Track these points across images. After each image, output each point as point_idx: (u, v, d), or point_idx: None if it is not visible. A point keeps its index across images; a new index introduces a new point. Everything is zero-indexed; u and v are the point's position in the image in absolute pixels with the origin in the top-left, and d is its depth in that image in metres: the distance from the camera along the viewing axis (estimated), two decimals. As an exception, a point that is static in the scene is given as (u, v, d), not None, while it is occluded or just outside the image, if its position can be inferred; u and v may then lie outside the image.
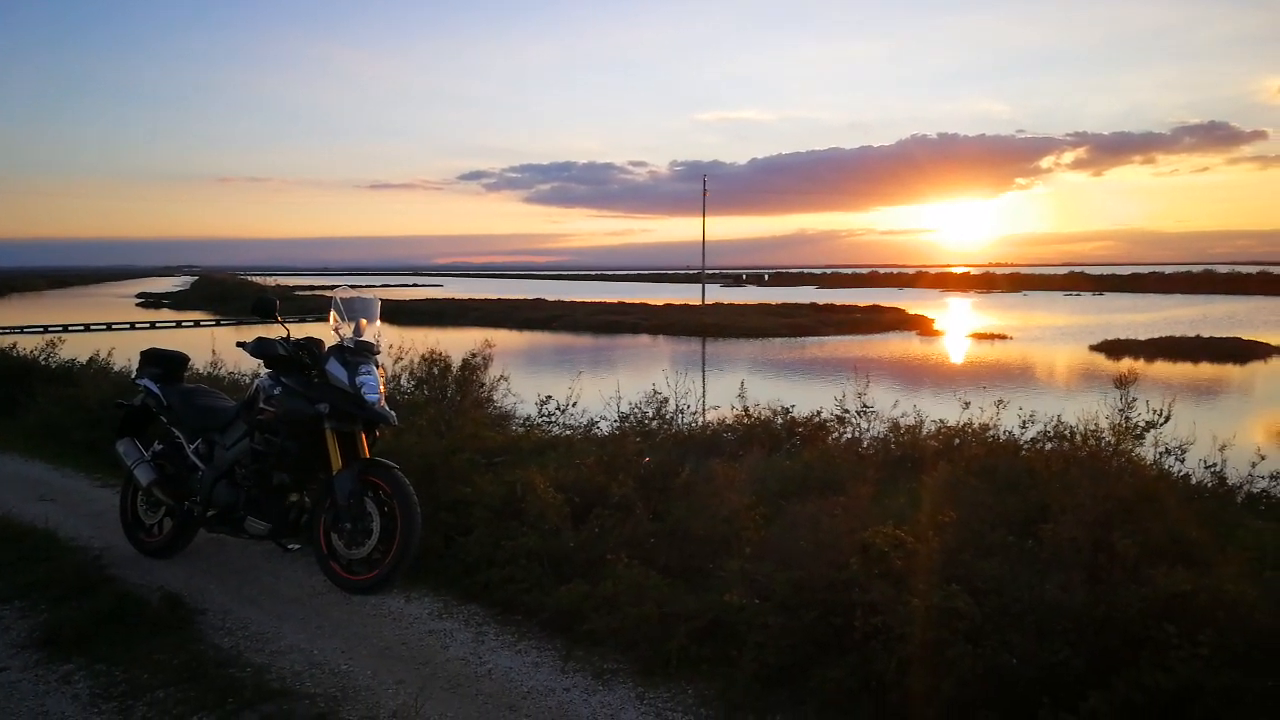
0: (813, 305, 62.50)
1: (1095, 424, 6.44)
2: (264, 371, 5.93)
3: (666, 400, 10.18)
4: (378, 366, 5.88)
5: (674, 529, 5.79)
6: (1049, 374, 28.19)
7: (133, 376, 6.87)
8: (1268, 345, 33.27)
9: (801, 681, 4.11)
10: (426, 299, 70.00)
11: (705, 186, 66.63)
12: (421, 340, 11.65)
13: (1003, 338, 40.62)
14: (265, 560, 6.13)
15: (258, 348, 5.72)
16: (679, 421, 9.97)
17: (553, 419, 9.39)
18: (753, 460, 7.74)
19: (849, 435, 9.63)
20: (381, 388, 5.82)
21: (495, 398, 10.77)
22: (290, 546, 5.98)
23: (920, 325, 49.03)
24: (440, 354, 10.69)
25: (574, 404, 9.54)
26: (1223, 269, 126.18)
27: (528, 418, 10.02)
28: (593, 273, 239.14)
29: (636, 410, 10.02)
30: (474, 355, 10.88)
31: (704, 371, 29.49)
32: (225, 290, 75.70)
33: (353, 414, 5.59)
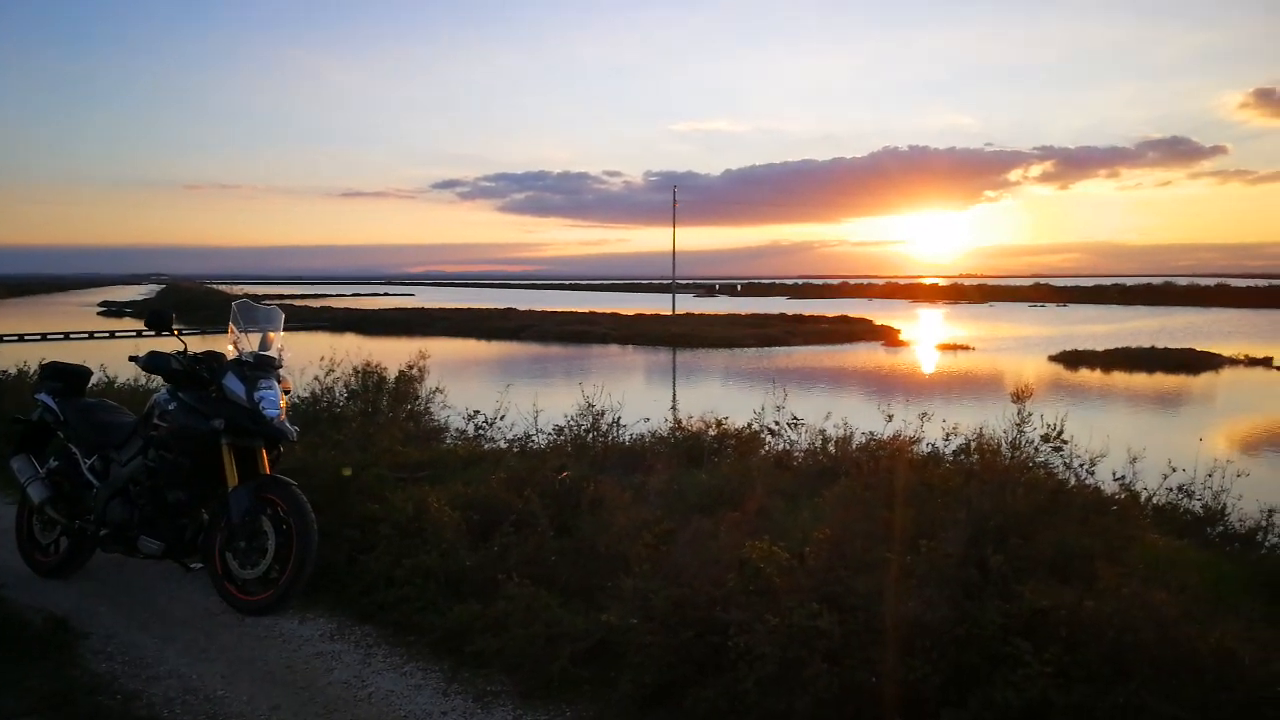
0: (782, 316, 62.72)
1: (991, 437, 6.47)
2: (163, 386, 5.84)
3: (603, 413, 10.17)
4: (280, 381, 5.82)
5: (579, 546, 5.76)
6: (1004, 385, 28.42)
7: (32, 391, 6.76)
8: (1220, 356, 33.75)
9: (678, 702, 4.09)
10: (394, 308, 69.67)
11: (676, 197, 67.00)
12: (383, 351, 11.59)
13: (966, 349, 40.93)
14: (164, 580, 6.03)
15: (150, 362, 5.64)
16: (614, 434, 9.95)
17: (482, 432, 9.32)
18: (674, 474, 7.74)
19: (781, 447, 9.66)
20: (283, 403, 5.75)
21: (431, 410, 10.70)
22: (192, 566, 5.88)
23: (887, 336, 49.34)
24: (375, 365, 10.60)
25: (502, 416, 9.48)
26: (1183, 281, 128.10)
27: (462, 431, 9.96)
28: (566, 282, 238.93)
29: (572, 423, 10.00)
30: (410, 367, 10.80)
31: (674, 381, 29.52)
32: (192, 299, 74.79)
33: (250, 430, 5.52)
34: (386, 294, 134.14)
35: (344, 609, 5.47)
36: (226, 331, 5.87)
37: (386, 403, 10.02)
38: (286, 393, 5.99)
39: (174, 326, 5.97)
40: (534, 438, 9.28)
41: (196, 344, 6.22)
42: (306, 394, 9.82)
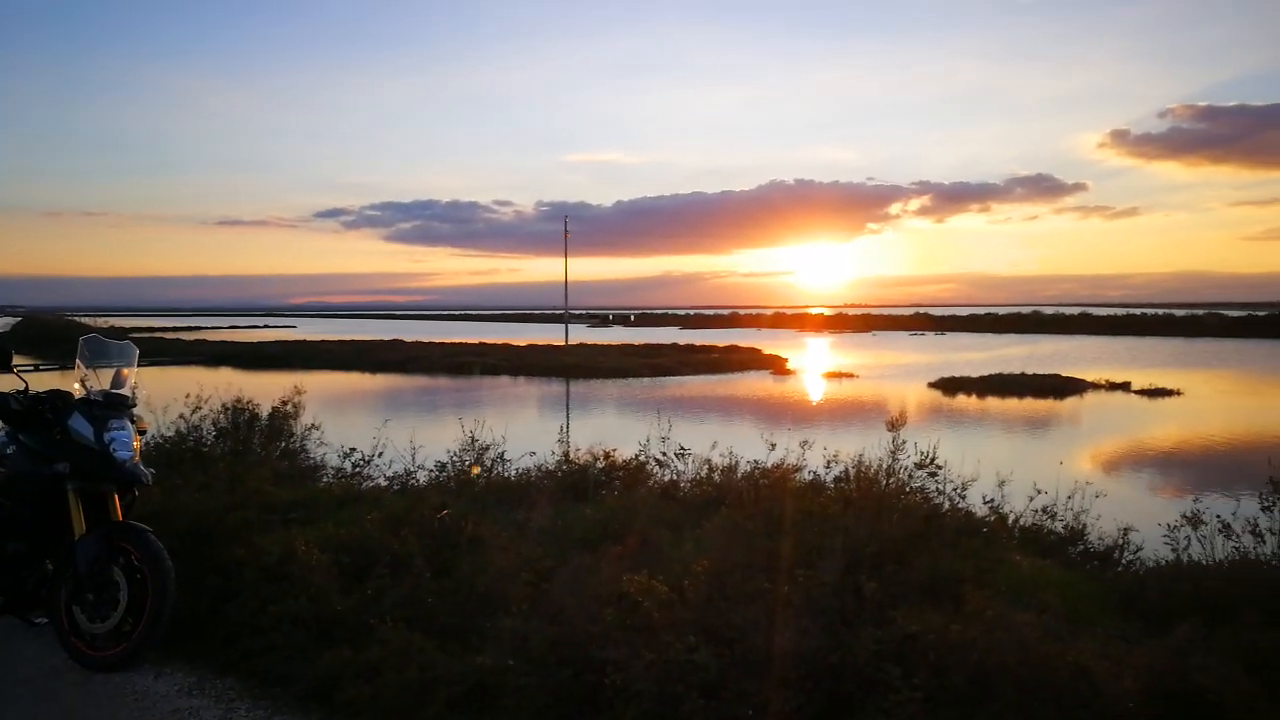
0: (674, 345, 63.31)
1: (868, 465, 6.62)
2: (1, 428, 5.44)
3: (487, 447, 10.00)
4: (134, 421, 5.49)
5: (458, 587, 5.61)
6: (886, 412, 29.32)
7: None
8: (1084, 381, 35.67)
9: (556, 743, 3.98)
10: (274, 341, 67.34)
11: (568, 227, 67.11)
12: (260, 386, 11.11)
13: (851, 376, 42.11)
14: (3, 638, 5.58)
15: (-15, 403, 5.24)
16: (498, 469, 9.79)
17: (360, 470, 9.02)
18: (559, 508, 7.64)
19: (668, 477, 9.67)
20: (137, 444, 5.43)
21: (307, 448, 10.31)
22: (36, 620, 5.46)
23: (775, 365, 50.37)
24: (248, 401, 10.16)
25: (380, 453, 9.21)
26: (1050, 310, 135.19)
27: (339, 469, 9.61)
28: (456, 313, 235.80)
29: (455, 459, 9.79)
30: (285, 402, 10.40)
31: (567, 413, 29.34)
32: (50, 331, 70.45)
33: (100, 474, 5.18)
34: (267, 326, 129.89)
35: (204, 661, 5.17)
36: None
37: (258, 441, 9.60)
38: (142, 433, 5.66)
39: (13, 364, 5.57)
40: (415, 475, 9.03)
41: (48, 381, 5.83)
42: (171, 433, 9.32)
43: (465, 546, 6.07)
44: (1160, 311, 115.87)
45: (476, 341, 65.90)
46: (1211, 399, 32.36)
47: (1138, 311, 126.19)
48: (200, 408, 9.70)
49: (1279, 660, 3.91)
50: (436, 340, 67.56)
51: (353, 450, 9.15)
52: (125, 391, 5.52)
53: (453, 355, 52.59)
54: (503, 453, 9.64)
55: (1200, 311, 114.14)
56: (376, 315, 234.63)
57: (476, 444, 9.79)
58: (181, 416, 9.68)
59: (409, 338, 71.11)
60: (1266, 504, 5.91)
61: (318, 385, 39.41)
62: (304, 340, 69.31)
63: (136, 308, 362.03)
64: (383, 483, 9.09)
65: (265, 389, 11.35)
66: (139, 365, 5.94)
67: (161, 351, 54.72)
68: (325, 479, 9.45)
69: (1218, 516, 6.18)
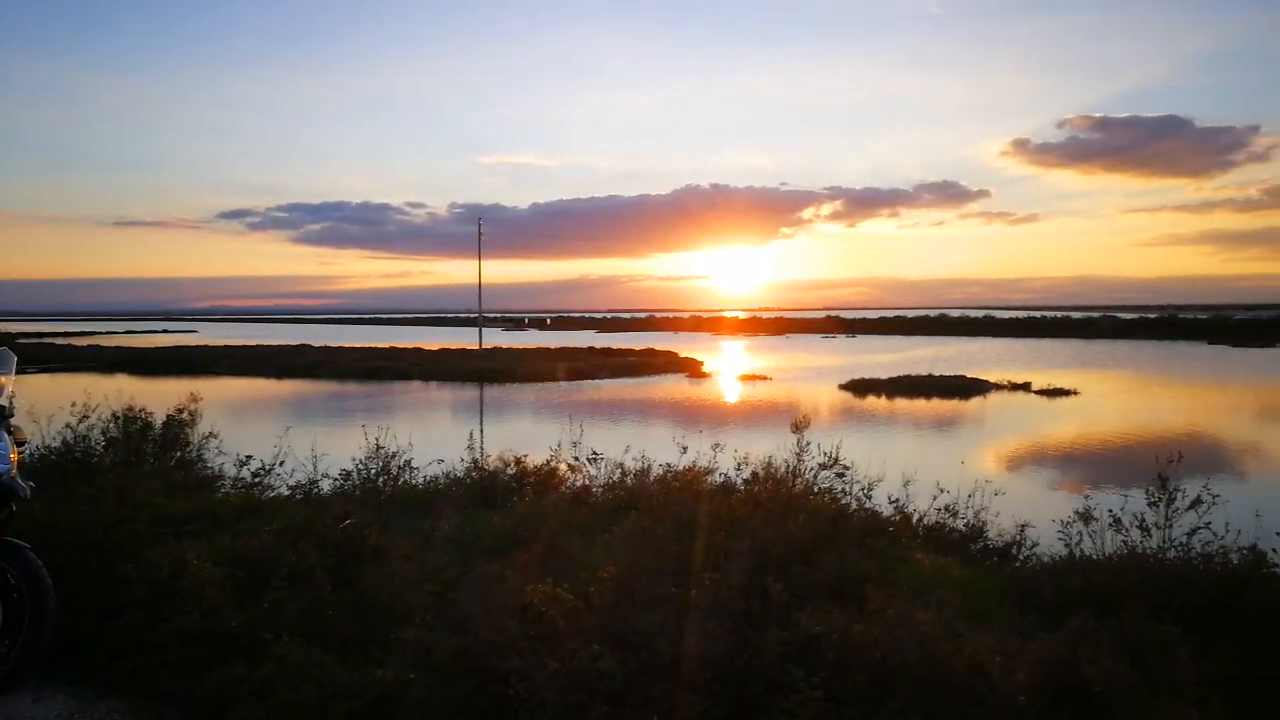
0: (590, 349, 63.22)
1: (776, 467, 6.68)
2: None
3: (394, 455, 9.78)
4: (9, 431, 5.19)
5: (360, 598, 5.46)
6: (799, 413, 29.79)
7: None
8: (987, 382, 36.88)
9: (460, 757, 3.89)
10: (174, 346, 64.97)
11: (481, 229, 66.43)
12: (157, 393, 10.64)
13: (765, 379, 42.66)
14: None
15: None
16: (406, 477, 9.58)
17: (260, 480, 8.72)
18: (467, 516, 7.52)
19: (580, 482, 9.60)
20: (14, 455, 5.12)
21: (204, 457, 9.94)
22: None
23: (691, 368, 50.71)
24: (141, 410, 9.74)
25: (282, 462, 8.92)
26: (956, 313, 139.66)
27: (239, 478, 9.28)
28: (367, 316, 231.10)
29: (360, 467, 9.55)
30: (181, 410, 10.01)
31: (481, 418, 28.99)
32: (-69, 339, 66.66)
33: (-29, 489, 4.87)
34: (166, 331, 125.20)
35: (88, 683, 4.90)
36: None
37: (151, 451, 9.21)
38: (21, 444, 5.35)
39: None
40: (318, 484, 8.78)
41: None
42: (56, 444, 8.87)
43: (368, 557, 5.91)
44: (1059, 314, 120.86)
45: (388, 346, 64.65)
46: (1106, 398, 33.80)
47: (1038, 314, 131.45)
48: (88, 416, 9.26)
49: (1162, 651, 4.06)
50: (346, 345, 66.09)
51: (249, 459, 8.84)
52: (2, 401, 5.21)
53: (363, 360, 51.51)
54: (409, 460, 9.43)
55: (1096, 314, 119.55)
56: (284, 319, 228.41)
57: (382, 452, 9.56)
58: (68, 426, 9.23)
59: (317, 342, 69.39)
60: (1153, 499, 6.15)
61: (219, 392, 38.19)
62: (205, 345, 67.01)
63: (24, 312, 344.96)
64: (285, 492, 8.81)
65: (162, 396, 10.91)
66: (21, 373, 5.62)
67: (51, 358, 52.23)
68: (223, 489, 9.12)
69: (1108, 511, 6.41)
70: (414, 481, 9.59)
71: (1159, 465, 6.12)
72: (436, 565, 5.62)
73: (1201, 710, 3.50)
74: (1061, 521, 6.75)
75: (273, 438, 9.69)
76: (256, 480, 8.77)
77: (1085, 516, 6.40)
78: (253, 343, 69.32)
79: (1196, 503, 6.10)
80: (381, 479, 9.44)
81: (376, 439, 9.38)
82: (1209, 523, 6.11)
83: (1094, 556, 6.36)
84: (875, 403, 32.64)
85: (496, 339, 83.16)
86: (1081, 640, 4.02)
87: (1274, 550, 5.89)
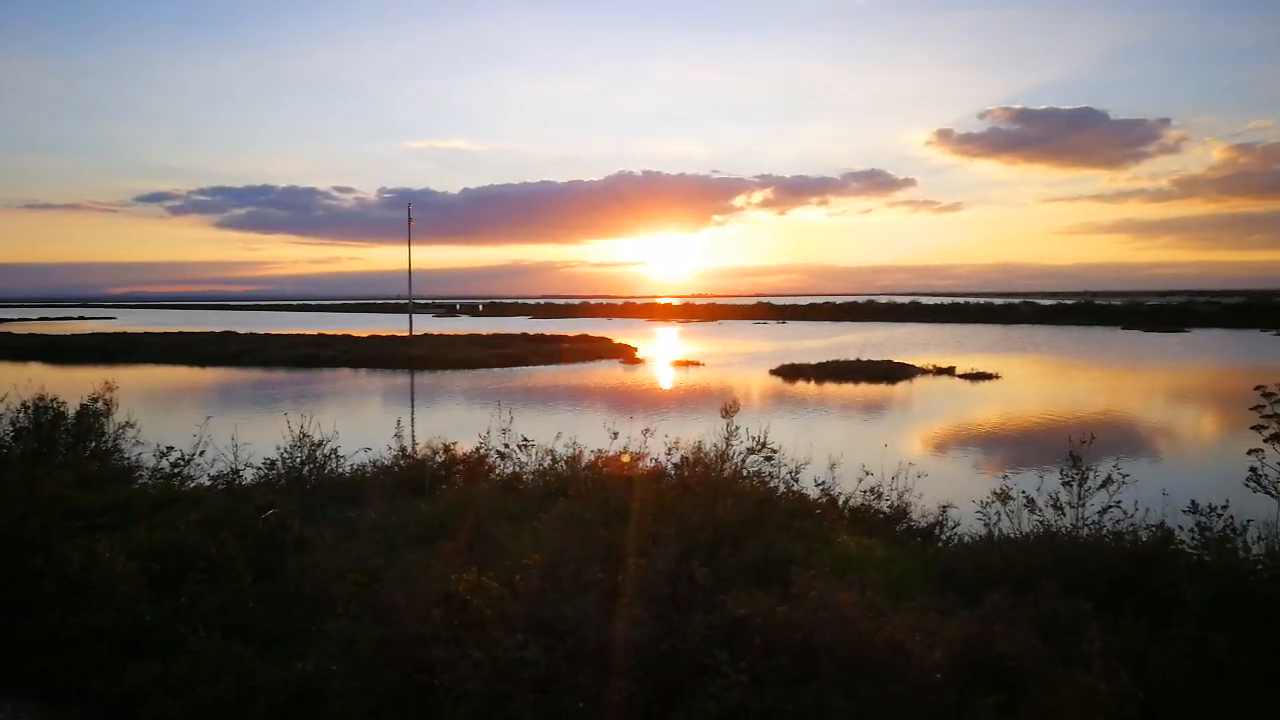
0: (524, 335, 62.81)
1: (706, 451, 6.73)
2: None
3: (321, 443, 9.59)
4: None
5: (283, 590, 5.35)
6: (731, 398, 30.07)
7: None
8: (913, 366, 37.69)
9: (383, 748, 3.84)
10: (91, 333, 62.70)
11: (411, 215, 65.37)
12: (72, 381, 10.23)
13: (698, 364, 42.92)
14: None
15: None
16: (332, 465, 9.42)
17: (179, 470, 8.48)
18: (394, 505, 7.41)
19: (511, 469, 9.55)
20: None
21: (121, 447, 9.63)
22: None
23: (625, 354, 50.77)
24: (52, 399, 9.38)
25: (202, 452, 8.68)
26: (883, 299, 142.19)
27: (157, 469, 9.02)
28: (294, 303, 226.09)
29: (285, 455, 9.36)
30: (95, 399, 9.67)
31: (413, 406, 28.59)
32: None
33: None
34: (83, 317, 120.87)
35: (-7, 684, 4.72)
36: None
37: (64, 441, 8.88)
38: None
39: None
40: (241, 474, 8.57)
41: None
42: (-40, 435, 8.50)
43: (291, 547, 5.80)
44: (982, 300, 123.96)
45: (315, 333, 63.33)
46: (1025, 382, 34.79)
47: (962, 300, 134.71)
48: (-6, 406, 8.89)
49: (1074, 627, 4.19)
50: (273, 332, 64.58)
51: (168, 449, 8.58)
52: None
53: (290, 347, 50.39)
54: (336, 449, 9.27)
55: (1017, 300, 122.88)
56: (207, 306, 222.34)
57: (308, 440, 9.38)
58: (-28, 416, 8.85)
59: (242, 329, 67.66)
60: (1066, 479, 6.35)
61: (138, 381, 36.97)
62: (124, 332, 64.82)
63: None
64: (205, 482, 8.59)
65: (77, 385, 10.52)
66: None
67: (-40, 345, 50.03)
68: (141, 480, 8.85)
69: (1023, 492, 6.60)
70: (341, 470, 9.43)
71: (1071, 446, 6.32)
72: (362, 555, 5.53)
73: (1109, 681, 3.62)
74: (981, 502, 6.94)
75: (194, 427, 9.43)
76: (176, 470, 8.54)
77: (1003, 497, 6.59)
78: (174, 330, 67.27)
79: (1107, 482, 6.31)
80: (307, 468, 9.27)
81: (301, 427, 9.19)
82: (1119, 501, 6.34)
83: (1012, 535, 6.55)
84: (805, 388, 33.10)
85: (428, 326, 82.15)
86: (998, 617, 4.13)
87: (1181, 527, 6.13)
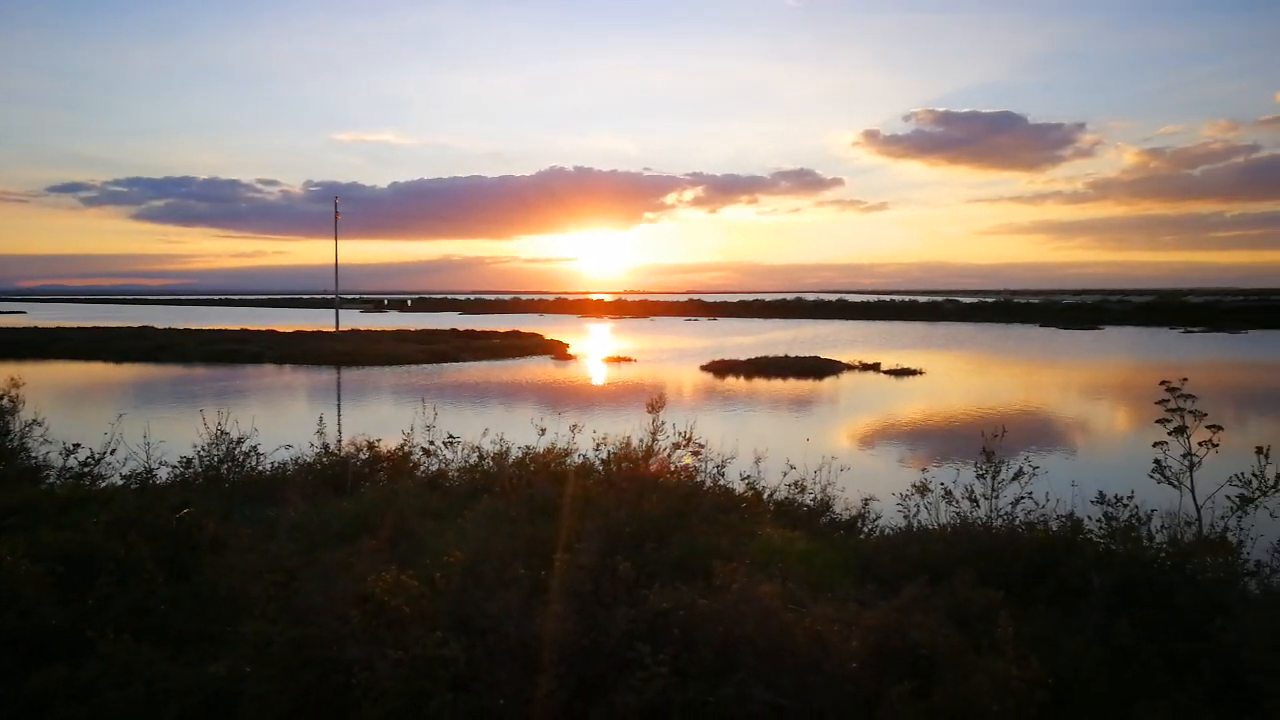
0: (454, 331, 62.12)
1: (634, 447, 6.75)
2: None
3: (240, 440, 9.37)
4: None
5: (198, 591, 5.21)
6: (660, 394, 30.17)
7: None
8: (840, 362, 38.34)
9: (300, 751, 3.77)
10: (1, 327, 60.15)
11: (338, 209, 64.39)
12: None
13: (629, 361, 42.98)
14: None
15: None
16: (253, 463, 9.20)
17: (90, 469, 8.19)
18: (316, 503, 7.28)
19: (436, 466, 9.45)
20: None
21: (28, 446, 9.26)
22: None
23: (557, 350, 50.58)
24: (-49, 398, 8.98)
25: (113, 450, 8.40)
26: (811, 297, 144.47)
27: (65, 468, 8.69)
28: (217, 297, 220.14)
29: (202, 454, 9.12)
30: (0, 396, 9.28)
31: (339, 403, 28.06)
32: None
33: None
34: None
35: (-117, 694, 4.49)
36: None
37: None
38: None
39: None
40: (155, 473, 8.31)
41: None
42: None
43: (206, 548, 5.66)
44: (907, 298, 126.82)
45: (238, 328, 61.74)
46: (948, 377, 35.65)
47: (887, 298, 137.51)
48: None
49: (987, 615, 4.32)
50: (193, 327, 62.78)
51: (77, 447, 8.29)
52: None
53: (211, 343, 49.04)
54: (256, 446, 9.06)
55: (940, 298, 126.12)
56: (125, 300, 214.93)
57: (227, 438, 9.15)
58: None
59: (161, 324, 65.60)
60: (981, 472, 6.53)
61: (49, 377, 35.58)
62: (35, 327, 62.30)
63: None
64: (118, 482, 8.31)
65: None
66: None
67: None
68: (49, 480, 8.53)
69: (941, 484, 6.77)
70: (261, 469, 9.23)
71: (985, 440, 6.50)
72: (280, 554, 5.40)
73: (1020, 667, 3.74)
74: (901, 495, 7.10)
75: (107, 425, 9.12)
76: (86, 470, 8.24)
77: (922, 489, 6.75)
78: (89, 324, 64.90)
79: (1019, 474, 6.52)
80: (225, 466, 9.05)
81: (219, 424, 8.96)
82: (1031, 493, 6.55)
83: (930, 527, 6.72)
84: (735, 383, 33.41)
85: (355, 321, 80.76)
86: (914, 607, 4.23)
87: (1089, 518, 6.36)
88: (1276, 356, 44.14)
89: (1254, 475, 5.92)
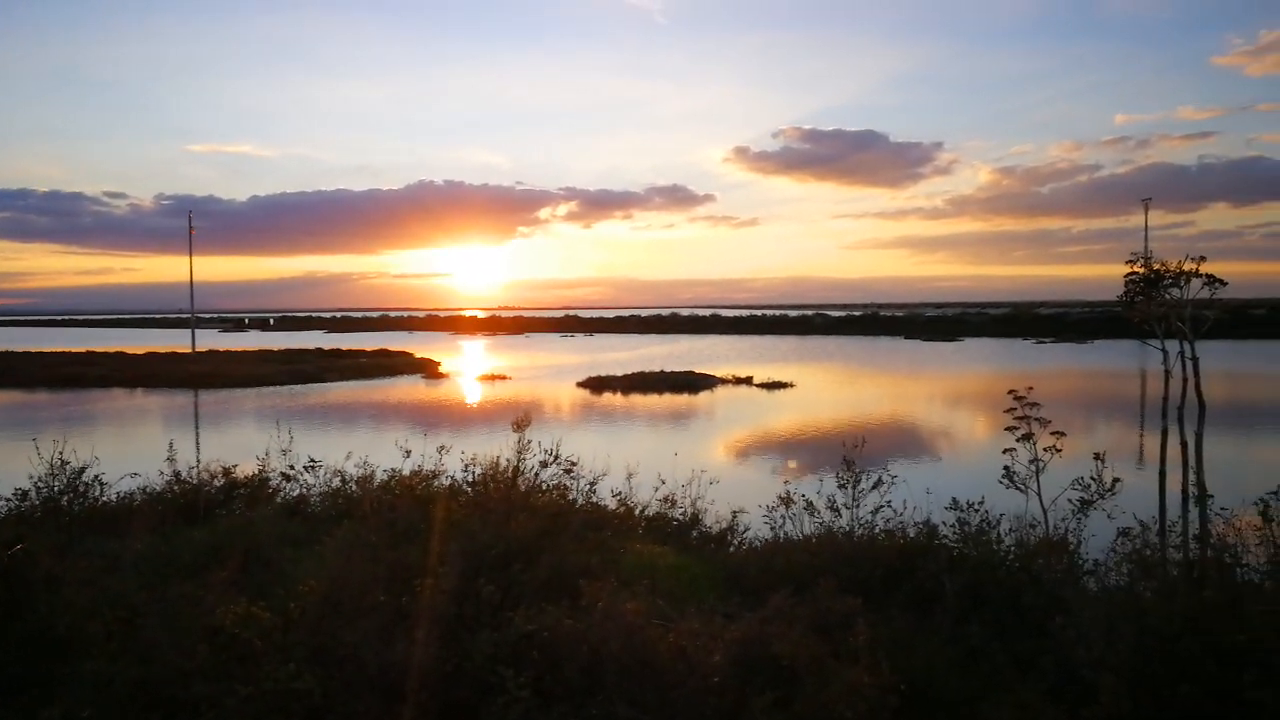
0: (318, 350, 60.15)
1: (502, 467, 6.68)
2: None
3: (83, 470, 8.79)
4: None
5: (31, 631, 4.85)
6: (534, 412, 30.02)
7: None
8: (714, 377, 39.05)
9: (141, 800, 3.55)
10: None
11: (192, 223, 61.86)
12: None
13: (504, 378, 42.59)
14: None
15: None
16: (96, 494, 8.64)
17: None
18: (166, 533, 6.91)
19: (297, 492, 9.11)
20: None
21: None
22: None
23: (428, 368, 49.62)
24: None
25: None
26: (686, 312, 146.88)
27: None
28: (60, 318, 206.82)
29: (42, 484, 8.51)
30: None
31: (197, 428, 26.71)
32: None
33: None
34: None
35: None
36: None
37: None
38: None
39: None
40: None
41: None
42: None
43: (41, 585, 5.26)
44: (778, 312, 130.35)
45: (84, 350, 58.10)
46: (817, 389, 36.78)
47: (760, 312, 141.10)
48: None
49: (846, 622, 4.44)
50: (33, 349, 58.75)
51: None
52: None
53: (53, 366, 45.98)
54: (99, 475, 8.51)
55: (810, 312, 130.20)
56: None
57: (68, 467, 8.56)
58: None
59: (-3, 346, 61.11)
60: (842, 482, 6.75)
61: None
62: None
63: None
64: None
65: None
66: None
67: None
68: None
69: (804, 496, 6.95)
70: (107, 499, 8.68)
71: (845, 450, 6.72)
72: (123, 590, 5.11)
73: (873, 672, 3.86)
74: (768, 507, 7.26)
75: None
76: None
77: (787, 501, 6.91)
78: (-89, 347, 59.85)
79: (879, 483, 6.76)
80: (67, 497, 8.46)
81: (59, 453, 8.38)
82: (890, 501, 6.80)
83: (796, 538, 6.89)
84: (610, 399, 33.55)
85: (214, 341, 77.26)
86: (776, 618, 4.31)
87: (944, 523, 6.64)
88: (1118, 364, 47.42)
89: (1093, 479, 6.33)
